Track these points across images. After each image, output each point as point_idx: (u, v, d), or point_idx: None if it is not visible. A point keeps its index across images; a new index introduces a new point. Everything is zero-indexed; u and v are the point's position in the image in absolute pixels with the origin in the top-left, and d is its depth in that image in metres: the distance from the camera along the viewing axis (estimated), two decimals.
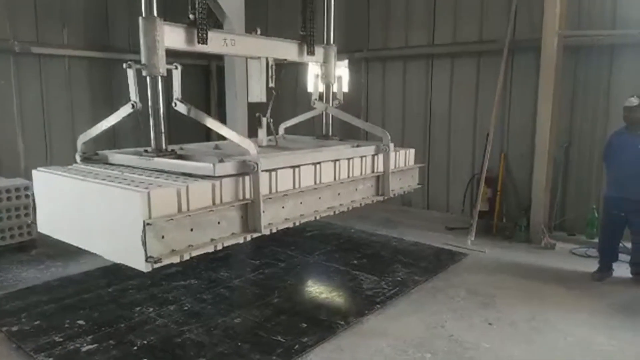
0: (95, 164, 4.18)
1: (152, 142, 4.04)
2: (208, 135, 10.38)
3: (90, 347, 3.81)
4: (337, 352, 3.82)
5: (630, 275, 5.29)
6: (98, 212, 3.43)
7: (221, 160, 3.73)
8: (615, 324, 4.28)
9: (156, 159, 3.89)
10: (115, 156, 4.23)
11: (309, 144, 5.51)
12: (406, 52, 8.03)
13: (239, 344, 3.88)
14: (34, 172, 4.04)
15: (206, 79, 10.37)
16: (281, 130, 5.99)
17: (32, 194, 4.12)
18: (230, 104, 8.80)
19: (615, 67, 6.27)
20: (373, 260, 5.88)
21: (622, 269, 5.37)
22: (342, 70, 8.82)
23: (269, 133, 5.16)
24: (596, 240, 5.87)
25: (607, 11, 6.25)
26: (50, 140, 8.10)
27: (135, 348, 3.81)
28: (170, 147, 4.24)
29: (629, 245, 5.39)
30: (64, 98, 8.21)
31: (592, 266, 5.50)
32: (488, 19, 7.19)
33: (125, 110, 3.94)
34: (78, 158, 4.28)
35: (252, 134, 6.11)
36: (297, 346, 3.85)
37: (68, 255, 5.68)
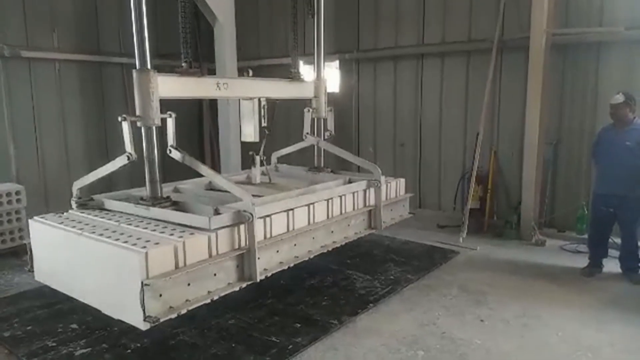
0: (90, 210, 4.26)
1: (148, 190, 4.14)
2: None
3: (84, 351, 3.80)
4: (331, 352, 3.84)
5: (619, 271, 5.35)
6: (96, 268, 3.50)
7: (216, 211, 3.81)
8: (605, 318, 4.34)
9: (152, 209, 3.99)
10: (111, 203, 4.31)
11: (301, 178, 5.63)
12: (396, 52, 8.07)
13: (233, 345, 3.89)
14: (30, 221, 4.15)
15: None
16: (274, 159, 6.11)
17: (29, 243, 4.21)
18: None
19: (602, 64, 6.33)
20: (366, 259, 5.90)
21: (611, 265, 5.43)
22: (332, 71, 8.92)
23: (262, 171, 5.28)
24: (586, 236, 5.93)
25: (594, 8, 6.32)
26: (41, 143, 8.07)
27: (129, 351, 3.81)
28: (164, 187, 4.34)
29: (618, 240, 5.44)
30: (55, 101, 8.18)
31: (583, 262, 5.56)
32: (477, 19, 7.24)
33: (121, 161, 4.04)
34: (73, 204, 4.35)
35: (245, 165, 6.23)
36: (290, 346, 3.86)
37: None
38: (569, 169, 6.74)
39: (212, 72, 9.35)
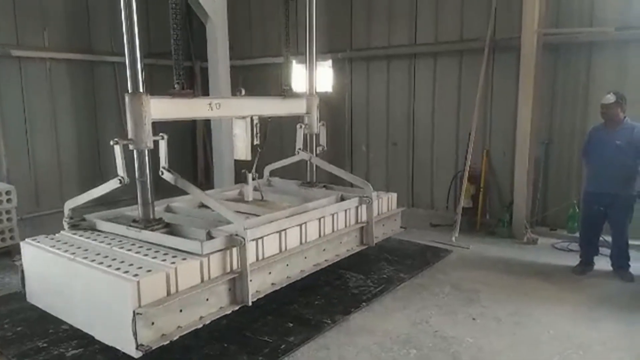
0: (82, 231, 4.27)
1: (140, 212, 4.14)
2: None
3: (75, 352, 3.77)
4: (324, 351, 3.84)
5: (610, 269, 5.39)
6: (87, 294, 3.50)
7: (209, 234, 3.84)
8: (596, 316, 4.38)
9: (144, 232, 3.99)
10: (103, 224, 4.31)
11: (294, 194, 5.70)
12: (389, 51, 8.08)
13: (226, 345, 3.88)
14: (22, 243, 4.14)
15: (190, 82, 10.25)
16: (266, 173, 6.13)
17: (21, 264, 4.20)
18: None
19: (593, 64, 6.38)
20: (359, 258, 5.89)
21: (603, 263, 5.47)
22: (325, 70, 8.91)
23: (254, 186, 5.38)
24: (577, 234, 5.97)
25: (584, 9, 6.37)
26: (32, 143, 8.01)
27: (121, 352, 3.77)
28: (157, 205, 4.35)
29: (609, 239, 5.48)
30: (46, 101, 8.12)
31: (574, 260, 5.61)
32: (469, 19, 7.26)
33: (113, 184, 4.06)
34: (65, 224, 4.35)
35: (238, 177, 6.23)
36: (283, 346, 3.86)
37: None
38: (560, 168, 6.79)
39: (204, 70, 9.33)
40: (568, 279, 5.24)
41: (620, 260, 5.31)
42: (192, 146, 10.51)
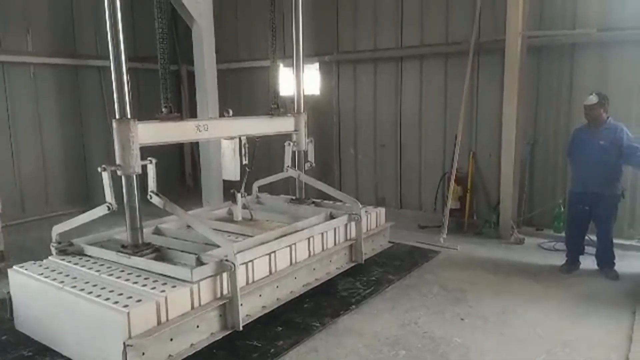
0: (70, 257, 4.25)
1: (129, 237, 4.14)
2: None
3: None
4: (313, 354, 3.84)
5: (596, 267, 5.45)
6: (77, 323, 3.49)
7: (199, 259, 3.84)
8: (582, 314, 4.43)
9: (133, 258, 3.97)
10: (91, 249, 4.29)
11: (283, 212, 5.72)
12: (376, 54, 8.10)
13: (215, 351, 3.84)
14: (9, 271, 4.11)
15: (177, 86, 10.22)
16: (255, 188, 6.14)
17: (9, 292, 4.17)
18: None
19: (576, 65, 6.46)
20: None
21: (588, 262, 5.53)
22: (312, 73, 8.92)
23: (243, 203, 5.39)
24: (563, 234, 6.03)
25: (567, 11, 6.45)
26: (16, 149, 7.91)
27: None
28: (146, 227, 4.35)
29: (594, 238, 5.54)
30: (30, 106, 8.03)
31: (560, 259, 5.66)
32: (454, 22, 7.32)
33: (101, 211, 4.07)
34: (53, 249, 4.32)
35: (227, 194, 6.24)
36: (272, 350, 3.85)
37: None
38: (545, 168, 6.86)
39: (191, 74, 9.29)
40: (554, 278, 5.30)
41: (606, 259, 5.38)
42: (179, 146, 10.41)
